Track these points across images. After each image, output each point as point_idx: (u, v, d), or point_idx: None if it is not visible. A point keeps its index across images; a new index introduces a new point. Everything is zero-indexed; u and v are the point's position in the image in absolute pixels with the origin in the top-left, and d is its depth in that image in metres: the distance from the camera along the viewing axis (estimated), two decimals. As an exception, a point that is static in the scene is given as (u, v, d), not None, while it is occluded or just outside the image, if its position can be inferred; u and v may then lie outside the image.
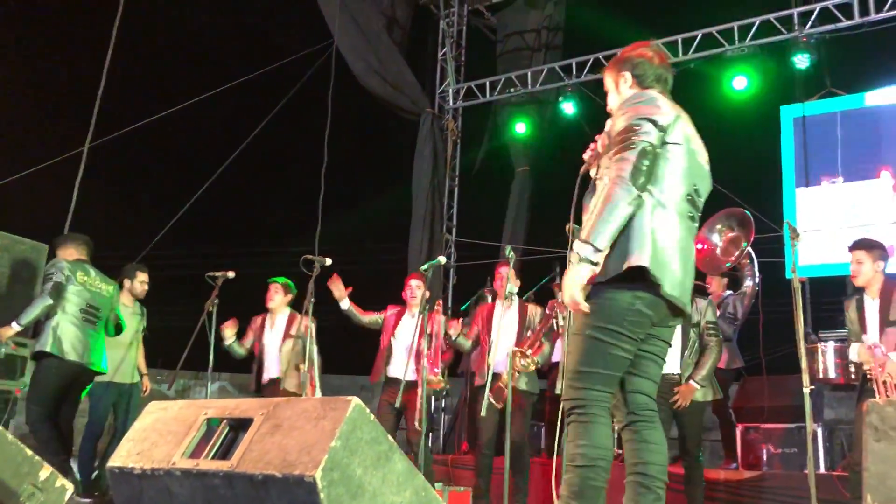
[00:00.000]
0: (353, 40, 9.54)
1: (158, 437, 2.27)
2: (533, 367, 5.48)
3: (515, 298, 5.78)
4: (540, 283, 7.71)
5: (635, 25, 9.62)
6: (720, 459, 6.94)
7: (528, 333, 5.58)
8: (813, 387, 4.22)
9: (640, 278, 2.58)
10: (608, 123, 2.88)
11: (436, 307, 5.82)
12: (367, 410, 2.03)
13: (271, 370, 6.15)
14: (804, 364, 4.10)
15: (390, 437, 2.08)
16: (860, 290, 4.78)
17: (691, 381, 4.92)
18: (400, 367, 5.63)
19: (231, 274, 5.74)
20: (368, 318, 6.07)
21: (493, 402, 5.17)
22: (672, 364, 5.10)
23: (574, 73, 9.61)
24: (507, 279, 5.60)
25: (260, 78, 9.59)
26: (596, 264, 2.53)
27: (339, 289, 5.87)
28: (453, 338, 5.80)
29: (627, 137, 2.64)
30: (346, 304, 5.94)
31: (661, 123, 2.69)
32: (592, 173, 2.93)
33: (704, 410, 5.18)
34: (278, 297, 6.25)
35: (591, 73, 9.46)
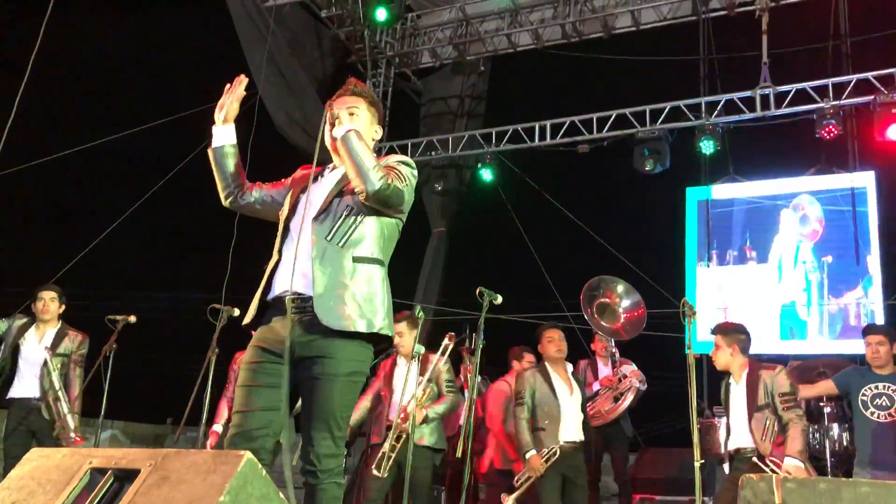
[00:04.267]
0: (277, 92, 9.57)
1: (37, 486, 2.17)
2: (422, 418, 5.06)
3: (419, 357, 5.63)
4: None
5: (554, 100, 10.02)
6: (617, 530, 7.02)
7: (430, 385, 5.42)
8: (703, 461, 4.35)
9: None
10: None
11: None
12: (260, 466, 2.00)
13: (26, 388, 5.60)
14: (696, 438, 4.23)
15: (282, 495, 2.05)
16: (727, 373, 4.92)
17: None
18: None
19: (132, 318, 5.54)
20: None
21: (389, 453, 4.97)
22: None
23: (494, 141, 9.87)
24: (407, 337, 5.34)
25: (181, 120, 9.49)
26: None
27: None
28: None
29: None
30: None
31: None
32: None
33: None
34: (53, 307, 5.75)
35: (510, 142, 9.76)
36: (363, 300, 2.68)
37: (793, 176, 9.14)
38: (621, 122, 9.19)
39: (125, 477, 2.12)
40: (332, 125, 2.79)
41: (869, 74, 8.25)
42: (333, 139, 2.80)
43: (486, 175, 9.84)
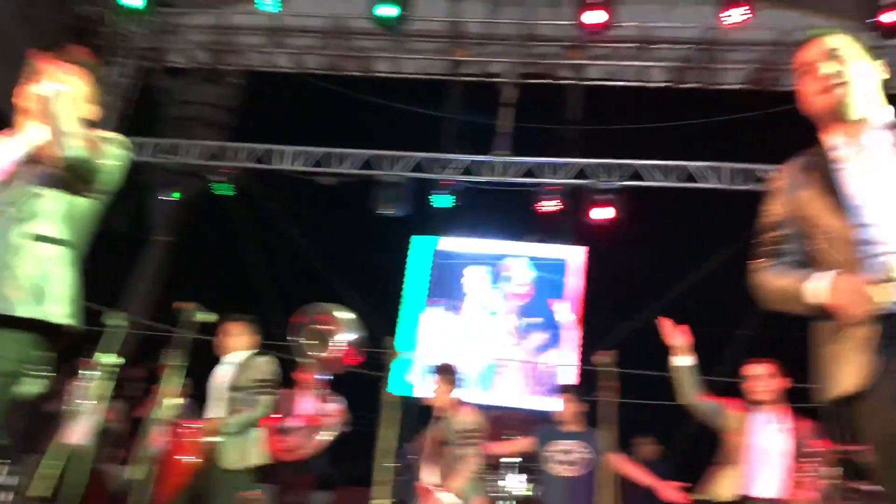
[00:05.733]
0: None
1: None
2: None
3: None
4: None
5: (306, 128, 9.96)
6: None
7: None
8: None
9: None
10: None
11: None
12: None
13: None
14: (389, 476, 4.31)
15: None
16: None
17: None
18: None
19: None
20: None
21: None
22: None
23: (238, 156, 9.56)
24: None
25: None
26: None
27: None
28: None
29: None
30: None
31: None
32: None
33: None
34: None
35: (256, 161, 9.51)
36: (31, 282, 2.32)
37: (514, 239, 9.83)
38: (367, 162, 9.35)
39: None
40: (37, 81, 2.42)
41: (589, 161, 9.13)
42: (36, 96, 2.43)
43: (225, 190, 9.48)
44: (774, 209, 2.23)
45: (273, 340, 8.81)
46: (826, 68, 2.12)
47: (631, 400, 7.84)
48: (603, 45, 9.27)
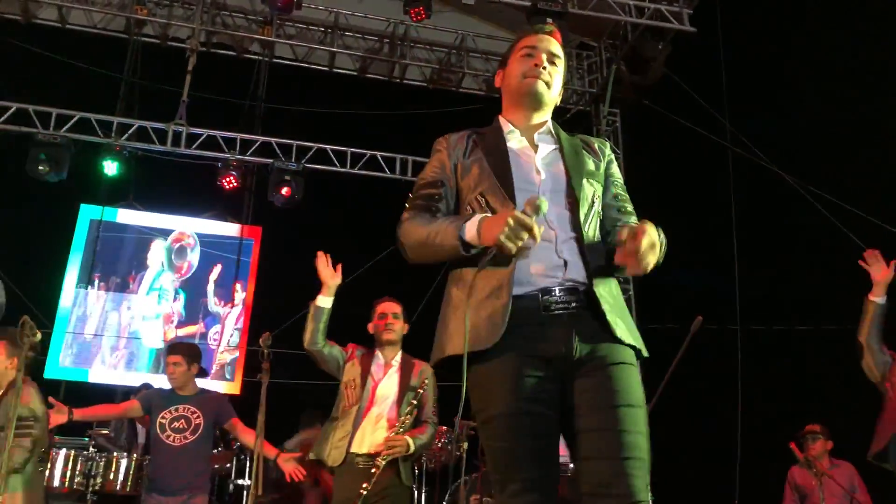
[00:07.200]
0: None
1: None
2: None
3: None
4: None
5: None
6: None
7: None
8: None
9: None
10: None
11: None
12: None
13: None
14: None
15: None
16: None
17: None
18: None
19: None
20: None
21: None
22: None
23: None
24: None
25: None
26: None
27: None
28: None
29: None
30: None
31: None
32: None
33: None
34: None
35: None
36: None
37: (190, 215, 9.39)
38: (22, 117, 8.33)
39: None
40: None
41: (273, 139, 9.00)
42: None
43: None
44: (433, 169, 2.29)
45: None
46: (546, 61, 2.27)
47: (294, 381, 7.94)
48: (292, 25, 9.20)
